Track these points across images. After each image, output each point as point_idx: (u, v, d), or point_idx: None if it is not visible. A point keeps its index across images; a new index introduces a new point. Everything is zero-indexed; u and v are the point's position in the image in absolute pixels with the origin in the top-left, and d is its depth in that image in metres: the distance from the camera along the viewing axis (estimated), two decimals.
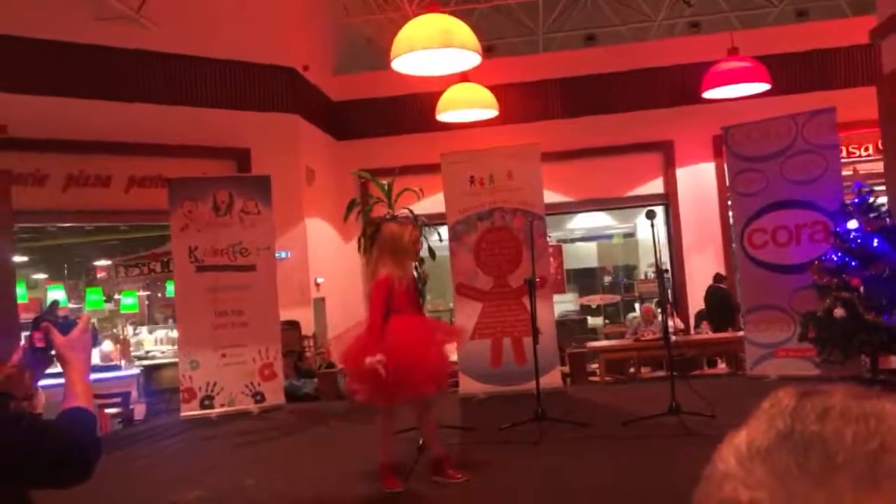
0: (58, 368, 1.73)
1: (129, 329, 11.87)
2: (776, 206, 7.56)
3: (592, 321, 13.34)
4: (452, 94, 9.86)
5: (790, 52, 11.11)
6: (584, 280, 14.54)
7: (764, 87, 9.42)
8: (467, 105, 9.96)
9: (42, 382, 1.87)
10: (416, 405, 4.79)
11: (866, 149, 10.89)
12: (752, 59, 9.44)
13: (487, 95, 9.91)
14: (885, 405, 0.52)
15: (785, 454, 0.51)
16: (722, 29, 12.29)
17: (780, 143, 7.54)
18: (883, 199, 7.29)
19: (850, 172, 8.69)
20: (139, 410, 9.00)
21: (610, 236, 15.08)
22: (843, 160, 8.66)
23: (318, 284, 10.44)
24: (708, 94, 9.75)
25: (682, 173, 11.67)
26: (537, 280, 6.54)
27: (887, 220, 6.68)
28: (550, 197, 9.73)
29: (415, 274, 5.21)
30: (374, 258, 4.91)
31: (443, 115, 10.07)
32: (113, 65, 9.06)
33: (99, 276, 13.45)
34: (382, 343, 4.44)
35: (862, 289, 6.37)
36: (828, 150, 7.36)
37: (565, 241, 14.38)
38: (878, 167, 8.98)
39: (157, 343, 11.58)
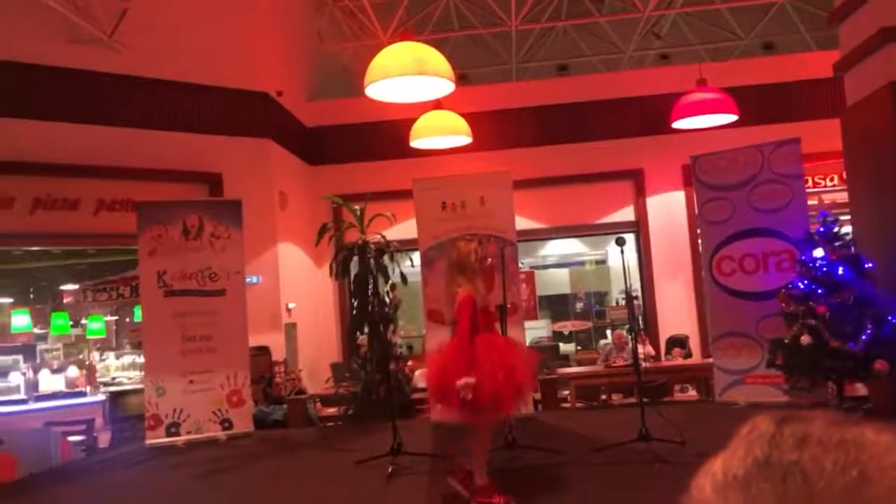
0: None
1: (96, 354, 11.63)
2: (743, 235, 7.66)
3: (565, 347, 13.35)
4: (426, 121, 9.88)
5: (757, 84, 11.34)
6: (557, 306, 14.57)
7: (731, 117, 9.59)
8: (440, 132, 9.97)
9: None
10: (483, 427, 4.66)
11: (831, 179, 11.11)
12: (720, 90, 9.61)
13: (460, 123, 9.94)
14: (865, 432, 0.50)
15: (762, 482, 0.49)
16: (691, 61, 12.53)
17: (747, 172, 7.66)
18: (848, 229, 7.41)
19: (816, 202, 8.86)
20: (104, 438, 8.79)
21: (582, 263, 15.17)
22: (808, 190, 8.82)
23: (289, 310, 10.33)
24: (677, 125, 9.91)
25: (652, 201, 11.80)
26: (509, 306, 6.53)
27: (852, 248, 6.80)
28: (522, 223, 9.78)
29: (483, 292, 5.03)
30: (447, 279, 4.91)
31: (416, 142, 10.09)
32: (84, 88, 8.97)
33: (66, 300, 13.19)
34: (475, 363, 4.35)
35: (828, 316, 6.45)
36: (793, 179, 7.49)
37: (537, 267, 14.44)
38: (843, 197, 9.16)
39: (123, 369, 11.36)
